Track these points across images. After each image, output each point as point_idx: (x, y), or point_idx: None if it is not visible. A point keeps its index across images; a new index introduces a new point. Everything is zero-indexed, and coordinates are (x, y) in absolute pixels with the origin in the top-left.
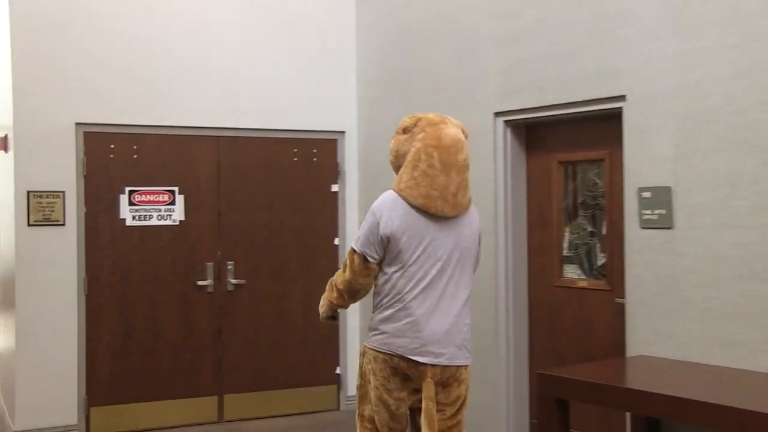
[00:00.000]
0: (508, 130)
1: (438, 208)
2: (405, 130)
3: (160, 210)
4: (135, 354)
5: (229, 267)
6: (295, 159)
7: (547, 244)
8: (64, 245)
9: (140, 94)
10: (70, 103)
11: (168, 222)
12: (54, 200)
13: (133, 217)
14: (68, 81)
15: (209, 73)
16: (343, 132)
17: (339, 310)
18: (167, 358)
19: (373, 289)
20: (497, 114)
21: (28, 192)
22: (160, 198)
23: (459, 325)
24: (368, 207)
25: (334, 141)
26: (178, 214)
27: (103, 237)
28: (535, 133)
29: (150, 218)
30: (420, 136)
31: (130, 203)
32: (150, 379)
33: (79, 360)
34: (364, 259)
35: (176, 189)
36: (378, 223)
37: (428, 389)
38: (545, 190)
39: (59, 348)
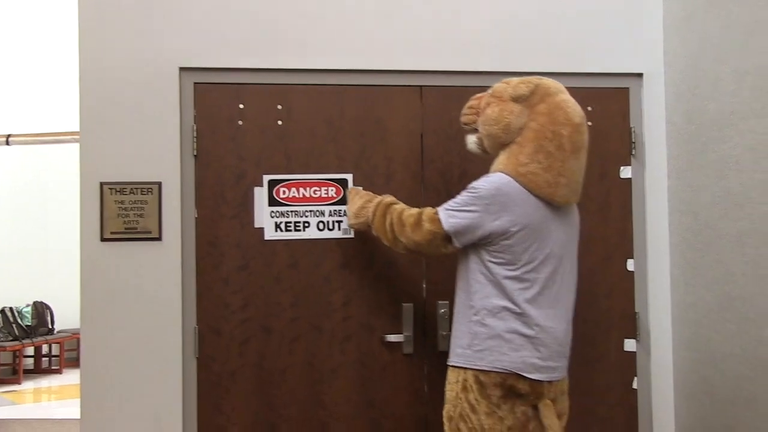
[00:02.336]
0: None
1: (564, 197)
2: (518, 99)
3: (322, 213)
4: None
5: (442, 311)
6: None
7: None
8: (162, 274)
9: (288, 19)
10: (171, 37)
11: (336, 234)
12: (144, 198)
13: (278, 226)
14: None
15: None
16: (639, 75)
17: None
18: None
19: (468, 292)
20: None
21: (102, 185)
22: (323, 193)
23: (569, 332)
24: (686, 203)
25: (624, 92)
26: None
27: (226, 260)
28: None
29: (306, 227)
30: (541, 108)
31: (273, 202)
32: None
33: None
34: (448, 240)
35: (349, 177)
36: (487, 217)
37: (550, 415)
38: None
39: None
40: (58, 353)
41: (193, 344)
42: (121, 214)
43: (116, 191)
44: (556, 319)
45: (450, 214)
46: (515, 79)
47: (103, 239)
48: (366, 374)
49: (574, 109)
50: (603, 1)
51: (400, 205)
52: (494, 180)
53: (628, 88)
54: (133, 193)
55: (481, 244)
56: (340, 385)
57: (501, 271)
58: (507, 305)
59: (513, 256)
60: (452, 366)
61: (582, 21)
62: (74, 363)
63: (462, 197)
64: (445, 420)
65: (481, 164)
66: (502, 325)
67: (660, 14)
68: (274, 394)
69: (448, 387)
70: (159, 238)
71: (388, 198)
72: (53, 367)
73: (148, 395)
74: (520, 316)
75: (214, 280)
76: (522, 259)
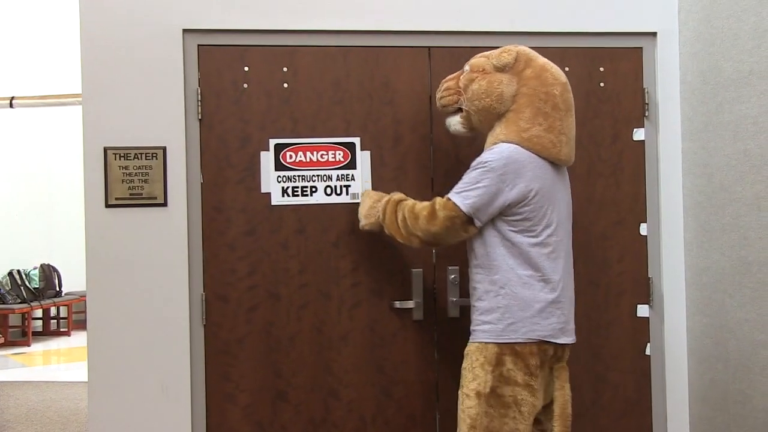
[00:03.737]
0: None
1: (567, 155)
2: (504, 68)
3: (330, 178)
4: (294, 429)
5: (452, 277)
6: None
7: None
8: (168, 240)
9: None
10: None
11: (344, 199)
12: (149, 163)
13: (285, 191)
14: None
15: None
16: (653, 34)
17: None
18: None
19: (489, 268)
20: None
21: (106, 150)
22: (330, 157)
23: (573, 291)
24: (700, 166)
25: (637, 52)
26: (360, 184)
27: (233, 226)
28: None
29: (313, 192)
30: (528, 73)
31: (279, 167)
32: None
33: None
34: (470, 222)
35: (357, 141)
36: (503, 187)
37: (565, 377)
38: None
39: (161, 415)
40: (66, 315)
41: (200, 311)
42: (125, 179)
43: (120, 156)
44: (569, 281)
45: (464, 196)
46: (494, 51)
47: (108, 205)
48: (375, 341)
49: (558, 69)
50: None
51: (411, 200)
52: (502, 150)
53: (641, 47)
54: (137, 158)
55: (500, 217)
56: (349, 352)
57: (524, 239)
58: (533, 273)
59: (533, 222)
60: (479, 342)
61: None
62: (82, 325)
63: (471, 175)
64: (472, 396)
65: None
66: (532, 294)
67: None
68: (283, 362)
69: (473, 363)
70: (164, 204)
71: (397, 195)
72: (62, 329)
73: (156, 362)
74: (547, 282)
75: (220, 246)
76: (542, 224)
